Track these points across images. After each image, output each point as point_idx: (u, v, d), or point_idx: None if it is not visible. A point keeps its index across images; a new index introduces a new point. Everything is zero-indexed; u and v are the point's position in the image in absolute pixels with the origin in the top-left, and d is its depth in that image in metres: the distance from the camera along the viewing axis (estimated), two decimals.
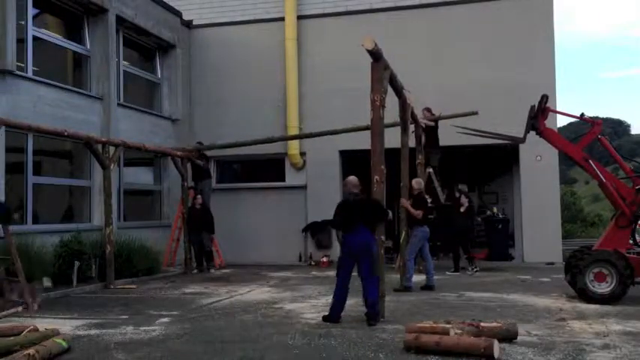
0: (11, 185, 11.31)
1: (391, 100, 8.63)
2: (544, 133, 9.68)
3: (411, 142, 11.44)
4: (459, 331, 6.06)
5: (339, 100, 16.42)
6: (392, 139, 10.83)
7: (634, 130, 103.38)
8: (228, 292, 10.61)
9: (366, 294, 7.45)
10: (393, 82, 9.00)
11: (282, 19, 17.06)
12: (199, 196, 15.06)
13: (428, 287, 10.51)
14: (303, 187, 17.21)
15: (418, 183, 11.06)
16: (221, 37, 17.84)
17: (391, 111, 9.18)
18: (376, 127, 7.90)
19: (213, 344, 6.48)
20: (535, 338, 6.51)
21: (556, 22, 16.08)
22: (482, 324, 6.36)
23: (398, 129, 11.17)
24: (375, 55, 7.72)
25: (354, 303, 8.60)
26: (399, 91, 9.78)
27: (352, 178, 7.86)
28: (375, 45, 7.54)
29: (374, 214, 7.63)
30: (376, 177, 7.83)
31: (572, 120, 10.96)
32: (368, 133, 8.34)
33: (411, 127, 11.82)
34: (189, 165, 15.29)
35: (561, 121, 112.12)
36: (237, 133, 16.14)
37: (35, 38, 12.39)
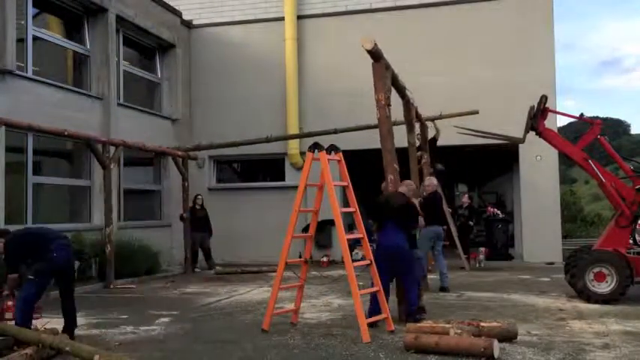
0: (11, 185, 11.30)
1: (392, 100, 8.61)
2: (543, 134, 9.68)
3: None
4: (459, 331, 6.06)
5: (339, 100, 16.42)
6: (396, 138, 10.83)
7: (634, 130, 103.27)
8: (228, 292, 10.62)
9: (408, 293, 7.38)
10: (396, 82, 8.99)
11: (282, 18, 17.06)
12: (200, 196, 15.10)
13: (442, 289, 10.37)
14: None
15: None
16: (221, 37, 17.84)
17: (392, 111, 9.16)
18: (384, 126, 7.86)
19: (213, 344, 6.48)
20: (535, 338, 6.52)
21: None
22: (482, 324, 6.36)
23: (402, 128, 11.17)
24: (375, 54, 7.72)
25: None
26: (401, 91, 9.77)
27: (407, 181, 7.93)
28: (375, 45, 7.53)
29: (407, 216, 7.50)
30: (390, 176, 7.79)
31: (572, 120, 10.96)
32: (368, 133, 8.35)
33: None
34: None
35: (561, 121, 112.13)
36: (237, 133, 16.13)
37: (35, 38, 12.39)
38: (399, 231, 7.43)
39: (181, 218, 14.78)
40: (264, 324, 6.95)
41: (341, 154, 7.30)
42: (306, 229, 16.64)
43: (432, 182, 10.86)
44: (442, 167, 14.31)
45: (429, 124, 13.65)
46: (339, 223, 7.03)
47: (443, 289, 10.32)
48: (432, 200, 10.62)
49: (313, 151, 7.24)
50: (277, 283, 7.17)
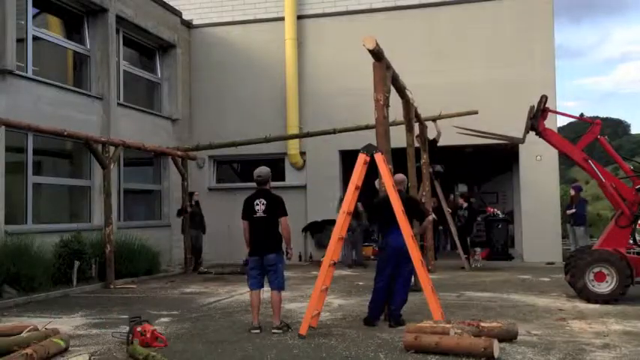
0: (11, 185, 11.30)
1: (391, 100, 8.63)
2: (543, 134, 9.68)
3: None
4: (459, 331, 6.05)
5: (339, 100, 16.43)
6: (395, 138, 10.85)
7: (634, 130, 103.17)
8: (228, 292, 10.63)
9: (396, 294, 7.32)
10: (396, 82, 9.01)
11: (282, 18, 17.07)
12: (197, 193, 15.12)
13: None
14: (303, 187, 17.21)
15: None
16: (221, 36, 17.85)
17: (391, 110, 9.19)
18: (381, 127, 7.85)
19: (214, 344, 6.48)
20: (535, 338, 6.52)
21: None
22: (482, 324, 6.36)
23: (401, 128, 11.20)
24: (377, 54, 7.72)
25: (355, 302, 8.63)
26: (401, 91, 9.78)
27: (398, 175, 7.63)
28: (377, 44, 7.53)
29: (414, 213, 7.41)
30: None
31: (572, 120, 10.96)
32: (368, 132, 8.34)
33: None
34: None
35: (561, 121, 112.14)
36: (237, 133, 16.14)
37: (35, 38, 12.39)
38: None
39: (179, 213, 14.75)
40: (302, 329, 6.74)
41: (381, 154, 7.20)
42: (306, 229, 16.88)
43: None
44: (440, 168, 14.30)
45: (430, 124, 13.66)
46: (404, 224, 7.01)
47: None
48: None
49: (366, 153, 7.12)
50: (320, 285, 6.93)
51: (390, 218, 7.30)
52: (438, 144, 14.05)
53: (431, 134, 13.66)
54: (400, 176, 7.69)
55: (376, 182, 7.94)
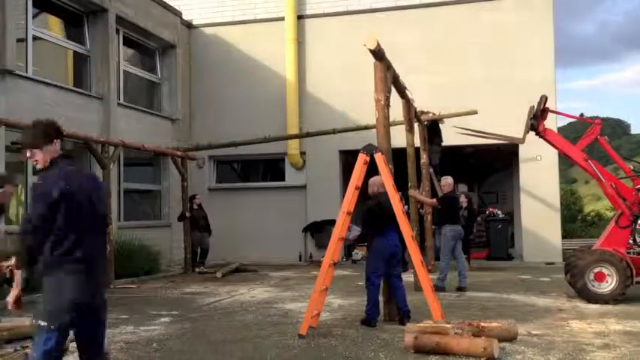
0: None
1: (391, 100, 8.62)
2: (543, 134, 9.69)
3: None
4: (459, 331, 6.05)
5: (339, 100, 16.44)
6: (395, 138, 10.86)
7: (634, 130, 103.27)
8: (228, 292, 10.62)
9: (399, 294, 7.41)
10: (396, 82, 9.01)
11: (282, 18, 17.06)
12: (198, 196, 15.15)
13: (460, 289, 10.20)
14: (303, 187, 17.21)
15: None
16: (221, 37, 17.85)
17: (391, 110, 9.19)
18: (382, 127, 7.86)
19: (214, 344, 6.48)
20: (535, 338, 6.51)
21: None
22: (482, 324, 6.36)
23: (401, 128, 11.19)
24: (378, 54, 7.73)
25: (355, 302, 8.63)
26: (402, 91, 9.78)
27: (378, 179, 7.61)
28: (378, 44, 7.54)
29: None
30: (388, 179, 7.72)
31: (572, 120, 10.95)
32: (368, 132, 8.33)
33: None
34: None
35: (561, 121, 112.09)
36: (237, 133, 16.14)
37: (35, 38, 12.38)
38: (395, 231, 7.46)
39: (181, 217, 14.76)
40: (302, 329, 6.73)
41: (381, 154, 7.22)
42: (306, 229, 16.87)
43: (447, 181, 10.76)
44: (437, 161, 14.12)
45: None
46: (405, 225, 7.00)
47: (461, 289, 10.20)
48: (450, 199, 10.61)
49: (366, 153, 7.13)
50: (319, 285, 6.94)
51: (387, 219, 7.35)
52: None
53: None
54: (379, 179, 7.63)
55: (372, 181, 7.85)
